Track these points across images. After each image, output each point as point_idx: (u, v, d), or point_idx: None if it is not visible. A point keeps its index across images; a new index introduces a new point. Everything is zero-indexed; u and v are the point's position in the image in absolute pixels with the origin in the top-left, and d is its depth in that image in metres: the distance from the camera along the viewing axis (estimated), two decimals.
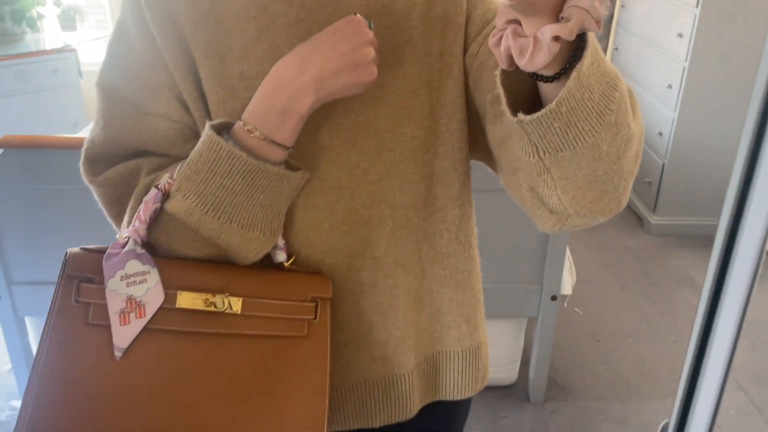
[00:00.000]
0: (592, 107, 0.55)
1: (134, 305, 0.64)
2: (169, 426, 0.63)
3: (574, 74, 0.53)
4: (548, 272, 1.88)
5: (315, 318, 0.71)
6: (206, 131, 0.65)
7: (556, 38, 0.50)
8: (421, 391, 0.84)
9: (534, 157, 0.60)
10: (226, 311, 0.67)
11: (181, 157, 0.70)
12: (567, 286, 1.96)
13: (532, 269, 1.89)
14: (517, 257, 1.88)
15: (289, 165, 0.68)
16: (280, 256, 0.72)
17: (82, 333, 0.63)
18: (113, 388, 0.63)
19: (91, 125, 0.77)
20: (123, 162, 0.71)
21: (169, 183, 0.67)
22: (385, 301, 0.77)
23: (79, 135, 2.16)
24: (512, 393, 2.15)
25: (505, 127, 0.65)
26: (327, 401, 0.69)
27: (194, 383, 0.65)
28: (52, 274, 1.81)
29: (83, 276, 0.64)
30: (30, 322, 2.00)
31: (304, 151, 0.71)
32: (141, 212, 0.66)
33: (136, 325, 0.64)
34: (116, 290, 0.63)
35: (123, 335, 0.63)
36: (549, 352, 2.04)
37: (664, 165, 3.04)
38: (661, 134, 3.07)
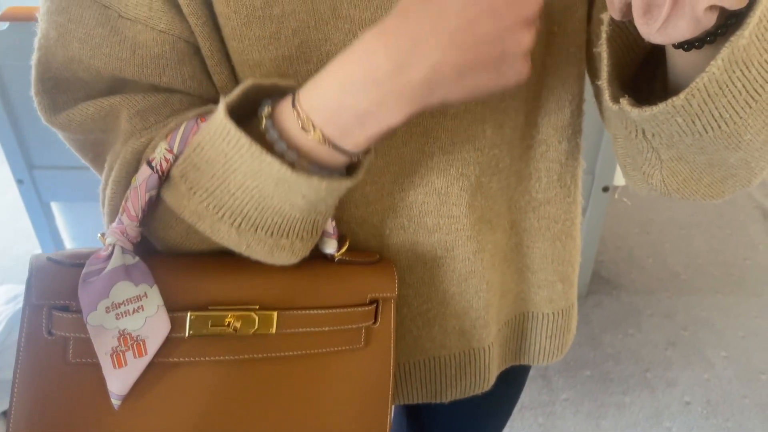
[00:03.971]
0: (743, 87, 0.37)
1: (130, 342, 0.46)
2: None
3: (724, 52, 0.34)
4: (602, 161, 1.73)
5: (375, 322, 0.54)
6: (220, 113, 0.42)
7: (714, 7, 0.32)
8: (500, 359, 0.70)
9: (637, 137, 0.44)
10: (256, 332, 0.49)
11: (172, 89, 0.50)
12: (620, 176, 1.83)
13: (584, 158, 1.74)
14: None
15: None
16: (330, 246, 0.53)
17: (62, 375, 0.46)
18: None
19: None
20: (92, 99, 0.50)
21: (167, 159, 0.46)
22: (464, 268, 0.60)
23: None
24: None
25: None
26: (389, 417, 0.56)
27: (219, 419, 0.50)
28: (75, 158, 1.75)
29: (54, 303, 0.46)
30: (57, 207, 1.96)
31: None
32: (130, 203, 0.47)
33: (136, 366, 0.46)
34: (102, 325, 0.45)
35: (120, 380, 0.46)
36: (595, 244, 1.93)
37: None
38: None
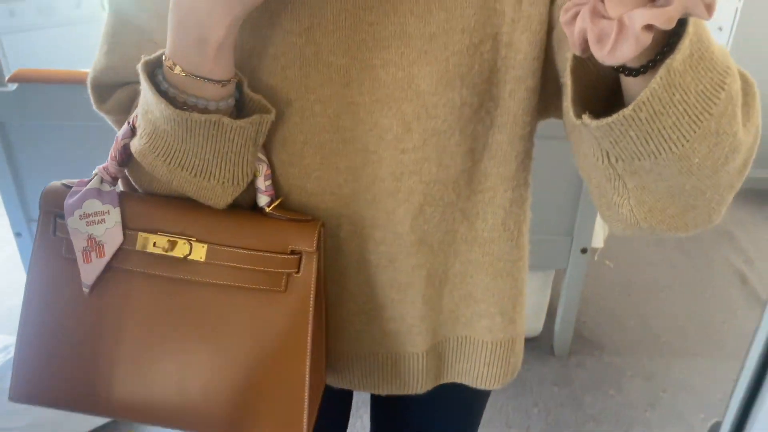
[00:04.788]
0: (684, 111, 0.44)
1: (94, 244, 0.63)
2: (132, 364, 0.64)
3: (662, 71, 0.43)
4: (579, 224, 1.80)
5: (297, 271, 0.63)
6: (139, 66, 0.57)
7: (649, 27, 0.39)
8: (437, 370, 0.78)
9: (603, 162, 0.51)
10: (189, 257, 0.63)
11: None
12: (598, 239, 1.88)
13: (562, 220, 1.81)
14: (548, 207, 1.79)
15: (254, 104, 0.60)
16: (262, 200, 0.65)
17: (58, 265, 0.65)
18: (84, 321, 0.65)
19: None
20: (125, 86, 0.66)
21: (136, 115, 0.60)
22: (403, 279, 0.69)
23: None
24: (536, 345, 2.10)
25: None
26: (307, 367, 0.63)
27: (155, 326, 0.64)
28: None
29: (57, 211, 0.64)
30: None
31: (328, 105, 0.62)
32: (112, 148, 0.63)
33: (98, 264, 0.63)
34: (77, 229, 0.62)
35: (87, 272, 0.63)
36: (576, 305, 1.97)
37: None
38: None
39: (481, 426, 1.84)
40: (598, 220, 1.85)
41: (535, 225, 1.91)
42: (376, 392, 0.77)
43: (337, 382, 0.78)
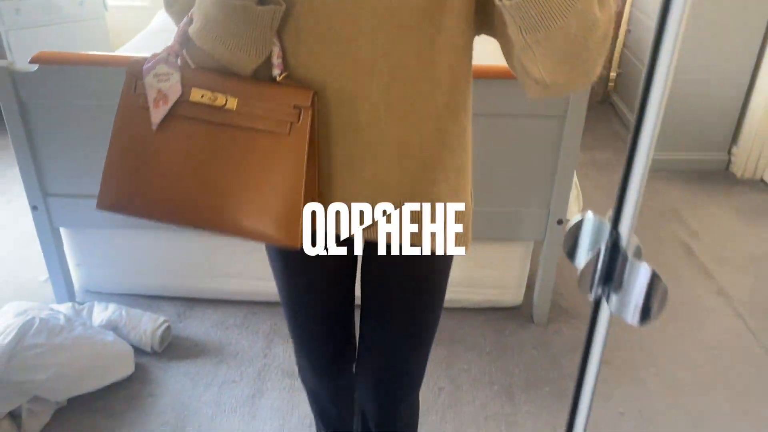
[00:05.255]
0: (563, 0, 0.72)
1: (161, 95, 0.91)
2: (180, 184, 0.92)
3: None
4: (555, 197, 1.95)
5: (298, 121, 0.88)
6: None
7: None
8: (401, 228, 0.98)
9: (519, 36, 0.76)
10: (225, 107, 0.89)
11: None
12: (573, 212, 2.04)
13: (539, 193, 1.97)
14: (525, 181, 1.95)
15: (271, 0, 0.82)
16: (274, 72, 0.89)
17: (137, 112, 0.94)
18: (152, 153, 0.93)
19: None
20: None
21: (192, 12, 0.87)
22: (374, 140, 0.92)
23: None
24: (517, 314, 2.26)
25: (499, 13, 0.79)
26: (302, 192, 0.88)
27: (199, 158, 0.91)
28: (86, 187, 1.92)
29: (138, 76, 0.93)
30: (65, 233, 2.11)
31: (326, 7, 0.85)
32: (176, 33, 0.92)
33: (163, 109, 0.91)
34: (151, 84, 0.91)
35: (156, 115, 0.92)
36: (553, 274, 2.13)
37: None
38: None
39: (466, 383, 2.00)
40: (572, 195, 2.01)
41: (513, 198, 2.08)
42: (360, 236, 0.98)
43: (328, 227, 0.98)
